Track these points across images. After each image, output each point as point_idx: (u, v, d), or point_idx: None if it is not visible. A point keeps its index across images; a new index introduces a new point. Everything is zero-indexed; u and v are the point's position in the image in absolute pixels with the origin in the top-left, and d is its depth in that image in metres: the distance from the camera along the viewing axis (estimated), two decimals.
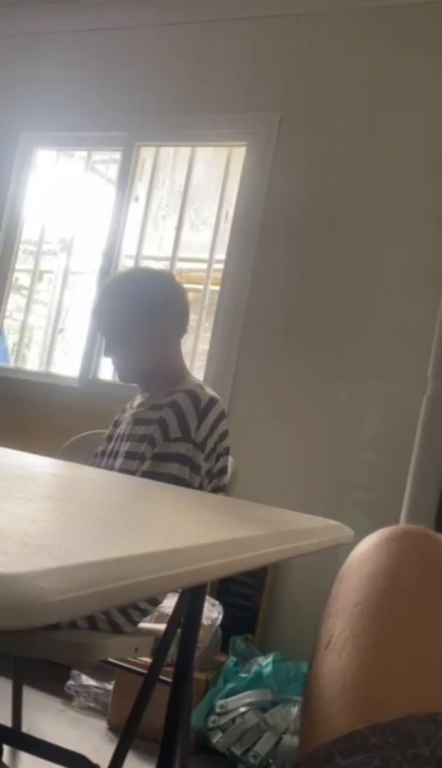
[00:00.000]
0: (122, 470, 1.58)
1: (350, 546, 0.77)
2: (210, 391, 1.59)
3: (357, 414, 2.55)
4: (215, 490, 1.56)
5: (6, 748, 1.61)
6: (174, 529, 0.69)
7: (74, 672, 2.31)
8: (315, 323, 2.67)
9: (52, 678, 2.24)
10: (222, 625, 2.27)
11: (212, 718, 2.05)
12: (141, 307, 1.65)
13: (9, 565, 0.38)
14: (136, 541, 0.56)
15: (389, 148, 2.64)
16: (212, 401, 1.55)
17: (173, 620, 1.37)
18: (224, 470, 1.58)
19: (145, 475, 1.48)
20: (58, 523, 0.62)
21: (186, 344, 1.77)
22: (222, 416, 1.56)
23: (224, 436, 1.56)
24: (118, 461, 1.62)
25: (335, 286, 2.66)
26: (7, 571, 0.36)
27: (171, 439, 1.49)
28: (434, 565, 0.55)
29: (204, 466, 1.51)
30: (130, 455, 1.59)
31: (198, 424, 1.50)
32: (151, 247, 3.73)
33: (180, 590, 1.38)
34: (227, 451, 1.59)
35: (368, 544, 0.58)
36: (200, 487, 1.50)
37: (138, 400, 1.73)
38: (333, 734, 0.43)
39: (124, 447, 1.62)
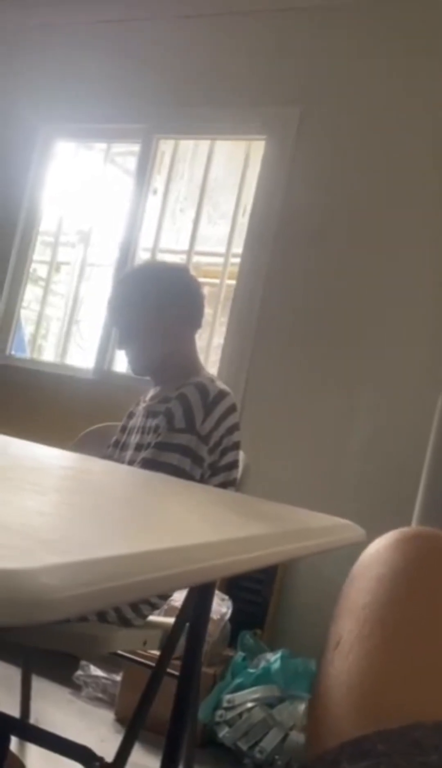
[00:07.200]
0: (131, 462, 1.58)
1: (361, 545, 0.76)
2: (220, 385, 1.58)
3: (372, 412, 2.53)
4: (224, 484, 1.55)
5: (14, 738, 1.62)
6: (182, 526, 0.69)
7: (83, 662, 2.32)
8: (331, 320, 2.66)
9: (61, 667, 2.25)
10: (231, 619, 2.27)
11: (219, 712, 2.05)
12: (155, 301, 1.65)
13: (13, 559, 0.37)
14: (142, 537, 0.56)
15: (411, 146, 2.61)
16: (221, 394, 1.54)
17: (182, 614, 1.37)
18: (233, 465, 1.57)
19: (146, 462, 1.47)
20: (66, 516, 0.61)
21: (201, 338, 1.77)
22: (232, 410, 1.55)
23: (232, 429, 1.55)
24: (128, 453, 1.63)
25: (351, 284, 2.64)
26: (11, 566, 0.36)
27: (175, 429, 1.49)
28: None
29: (207, 459, 1.50)
30: (138, 447, 1.59)
31: (204, 416, 1.49)
32: (169, 240, 3.72)
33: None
34: (236, 446, 1.58)
35: (380, 545, 0.58)
36: (202, 480, 1.50)
37: (151, 393, 1.73)
38: (340, 737, 0.42)
39: (135, 439, 1.63)
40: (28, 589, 0.36)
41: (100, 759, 1.09)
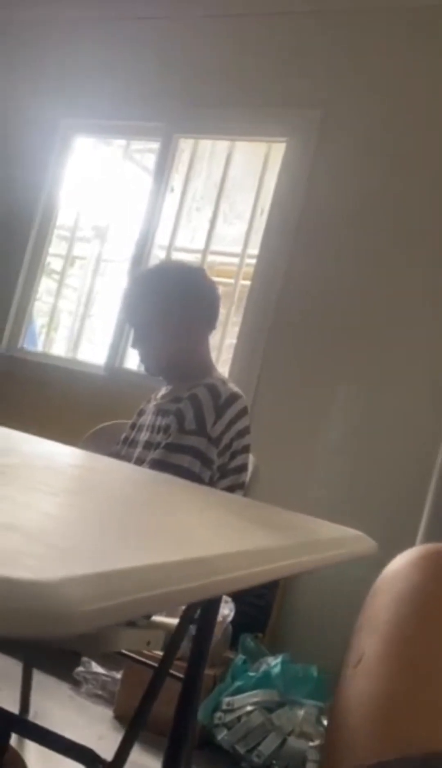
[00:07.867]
0: (139, 460, 1.58)
1: (374, 559, 0.76)
2: (232, 387, 1.57)
3: (382, 418, 2.52)
4: (233, 487, 1.54)
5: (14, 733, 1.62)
6: (194, 534, 0.68)
7: (84, 658, 2.32)
8: (345, 325, 2.64)
9: (61, 663, 2.25)
10: (233, 622, 2.26)
11: (218, 714, 2.04)
12: (170, 301, 1.65)
13: (38, 571, 0.37)
14: (159, 545, 0.56)
15: (433, 150, 2.60)
16: (233, 397, 1.54)
17: (186, 616, 1.37)
18: (242, 468, 1.57)
19: (155, 463, 1.47)
20: (79, 521, 0.61)
21: (213, 338, 1.76)
22: (243, 413, 1.55)
23: (243, 433, 1.55)
24: (137, 450, 1.62)
25: (368, 289, 2.63)
26: (36, 577, 0.35)
27: (186, 430, 1.48)
28: None
29: (217, 461, 1.50)
30: (148, 445, 1.59)
31: (215, 419, 1.49)
32: (184, 238, 3.71)
33: None
34: (246, 449, 1.57)
35: (402, 561, 0.57)
36: (211, 482, 1.49)
37: (163, 391, 1.73)
38: (360, 759, 0.42)
39: (144, 436, 1.63)
40: (48, 601, 0.35)
41: (103, 761, 1.09)
